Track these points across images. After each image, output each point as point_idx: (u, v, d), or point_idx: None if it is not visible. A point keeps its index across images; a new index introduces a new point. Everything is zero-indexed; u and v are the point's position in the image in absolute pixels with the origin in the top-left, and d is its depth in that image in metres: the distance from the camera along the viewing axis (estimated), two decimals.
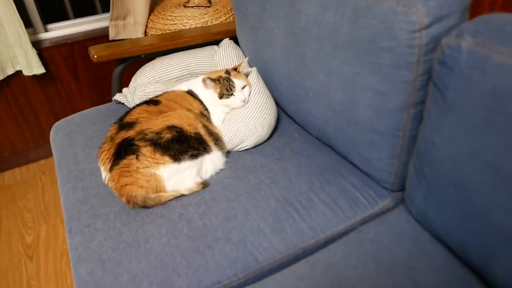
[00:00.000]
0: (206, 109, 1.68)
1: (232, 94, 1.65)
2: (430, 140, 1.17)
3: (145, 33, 2.56)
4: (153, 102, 1.60)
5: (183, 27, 2.34)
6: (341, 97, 1.48)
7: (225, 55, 1.96)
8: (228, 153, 1.67)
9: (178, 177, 1.42)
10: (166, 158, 1.38)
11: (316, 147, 1.71)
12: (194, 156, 1.44)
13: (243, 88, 1.68)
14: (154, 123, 1.45)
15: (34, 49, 2.33)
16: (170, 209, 1.40)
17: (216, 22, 2.33)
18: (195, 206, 1.41)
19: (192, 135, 1.46)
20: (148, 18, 2.53)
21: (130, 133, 1.42)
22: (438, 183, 1.16)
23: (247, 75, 1.78)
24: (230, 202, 1.43)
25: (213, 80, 1.64)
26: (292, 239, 1.31)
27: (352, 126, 1.48)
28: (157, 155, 1.37)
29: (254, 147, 1.71)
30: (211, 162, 1.53)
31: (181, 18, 2.33)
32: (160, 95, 1.69)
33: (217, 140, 1.59)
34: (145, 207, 1.38)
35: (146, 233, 1.30)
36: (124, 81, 2.13)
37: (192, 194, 1.46)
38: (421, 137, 1.24)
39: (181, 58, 2.06)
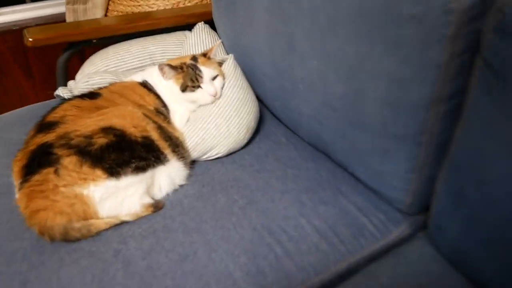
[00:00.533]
0: (165, 106, 1.29)
1: (198, 86, 1.26)
2: (478, 148, 0.79)
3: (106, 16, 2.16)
4: (90, 95, 1.20)
5: (149, 9, 1.94)
6: (342, 90, 1.10)
7: (198, 41, 1.60)
8: (192, 164, 1.27)
9: (117, 198, 1.03)
10: (98, 172, 0.98)
11: (308, 156, 1.32)
12: (141, 169, 1.05)
13: (213, 78, 1.29)
14: (85, 124, 1.05)
15: None
16: (103, 243, 1.00)
17: (189, 4, 1.94)
18: (139, 239, 1.01)
19: (139, 140, 1.06)
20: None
21: (49, 137, 1.02)
22: (491, 213, 0.78)
23: (221, 63, 1.39)
24: (189, 233, 1.04)
25: (173, 68, 1.25)
26: (273, 287, 0.92)
27: (356, 128, 1.10)
28: (85, 168, 0.97)
29: (228, 155, 1.32)
30: (166, 176, 1.14)
31: None
32: (105, 87, 1.29)
33: (177, 146, 1.19)
34: (67, 240, 0.98)
35: (61, 282, 0.90)
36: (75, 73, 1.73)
37: (138, 220, 1.06)
38: (459, 143, 0.86)
39: (142, 44, 1.67)
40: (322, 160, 1.30)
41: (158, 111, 1.25)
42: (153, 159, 1.09)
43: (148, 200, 1.10)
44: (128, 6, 1.99)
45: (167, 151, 1.15)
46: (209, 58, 1.33)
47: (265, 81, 1.46)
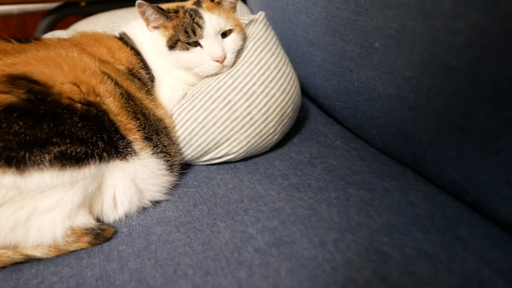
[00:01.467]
0: (147, 70, 0.79)
1: (196, 43, 0.77)
2: None
3: None
4: (23, 39, 0.71)
5: None
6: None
7: None
8: (182, 168, 0.75)
9: (18, 211, 0.51)
10: None
11: (384, 170, 0.76)
12: (73, 160, 0.54)
13: (223, 35, 0.79)
14: None
15: None
16: None
17: None
18: None
19: (76, 107, 0.57)
20: None
21: None
22: None
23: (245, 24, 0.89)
24: None
25: (160, 11, 0.76)
26: None
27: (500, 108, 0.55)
28: None
29: (246, 159, 0.79)
30: (129, 182, 0.63)
31: None
32: (59, 38, 0.81)
33: (157, 132, 0.68)
34: None
35: None
36: None
37: (60, 257, 0.53)
38: None
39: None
40: (409, 178, 0.74)
41: (132, 74, 0.75)
42: (101, 145, 0.58)
43: (84, 222, 0.58)
44: None
45: (135, 136, 0.64)
46: (219, 3, 0.83)
47: (312, 54, 0.94)
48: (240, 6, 1.24)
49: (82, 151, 0.56)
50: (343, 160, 0.78)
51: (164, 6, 0.82)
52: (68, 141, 0.55)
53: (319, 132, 0.92)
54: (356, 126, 0.89)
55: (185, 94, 0.82)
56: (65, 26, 1.46)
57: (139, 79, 0.75)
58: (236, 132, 0.76)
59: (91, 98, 0.60)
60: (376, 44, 0.72)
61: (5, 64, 0.58)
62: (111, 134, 0.60)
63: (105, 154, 0.59)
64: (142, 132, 0.66)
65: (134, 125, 0.65)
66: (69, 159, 0.55)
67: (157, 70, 0.81)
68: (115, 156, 0.61)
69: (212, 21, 0.78)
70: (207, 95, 0.77)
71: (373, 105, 0.78)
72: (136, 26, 0.85)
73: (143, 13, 0.77)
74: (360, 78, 0.80)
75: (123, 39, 0.81)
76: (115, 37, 0.81)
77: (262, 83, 0.79)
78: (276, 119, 0.79)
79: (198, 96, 0.78)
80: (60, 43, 0.71)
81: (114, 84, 0.66)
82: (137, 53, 0.80)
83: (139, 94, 0.72)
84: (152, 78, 0.79)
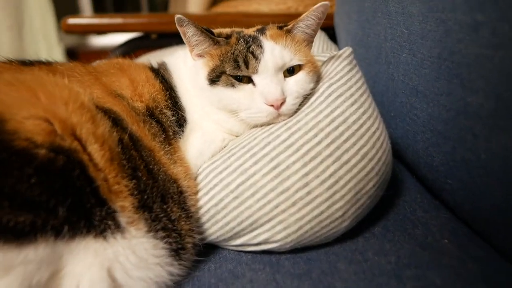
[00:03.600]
0: (175, 112, 0.59)
1: (247, 78, 0.56)
2: None
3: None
4: (29, 62, 0.58)
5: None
6: None
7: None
8: (203, 251, 0.52)
9: None
10: None
11: None
12: (12, 234, 0.37)
13: (289, 71, 0.57)
14: None
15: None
16: None
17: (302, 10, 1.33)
18: None
19: (38, 153, 0.39)
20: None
21: None
22: None
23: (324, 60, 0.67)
24: None
25: (206, 32, 0.57)
26: None
27: None
28: None
29: (294, 251, 0.52)
30: (101, 272, 0.42)
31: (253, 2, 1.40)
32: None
33: (164, 201, 0.47)
34: None
35: None
36: None
37: None
38: None
39: None
40: None
41: (151, 115, 0.56)
42: (61, 213, 0.39)
43: None
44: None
45: (124, 203, 0.44)
46: (289, 31, 0.62)
47: (415, 107, 0.66)
48: (326, 44, 1.02)
49: (28, 221, 0.37)
50: (453, 278, 0.47)
51: (217, 30, 0.63)
52: (6, 204, 0.36)
53: (416, 221, 0.61)
54: (479, 220, 0.57)
55: (224, 147, 0.60)
56: None
57: (158, 122, 0.56)
58: (284, 211, 0.51)
59: (65, 142, 0.41)
60: None
61: None
62: (84, 197, 0.41)
63: (66, 227, 0.39)
64: (137, 198, 0.45)
65: (126, 186, 0.45)
66: (3, 232, 0.36)
67: (193, 110, 0.61)
68: (84, 231, 0.41)
69: (274, 53, 0.57)
70: (249, 151, 0.54)
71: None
72: (181, 55, 0.67)
73: (184, 34, 0.59)
74: (492, 148, 0.50)
75: (157, 71, 0.63)
76: (149, 67, 0.65)
77: (332, 142, 0.54)
78: (347, 197, 0.53)
79: (237, 152, 0.55)
80: (72, 69, 0.56)
81: (116, 125, 0.48)
82: (168, 88, 0.61)
83: (152, 143, 0.52)
84: (180, 121, 0.59)
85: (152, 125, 0.54)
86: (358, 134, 0.56)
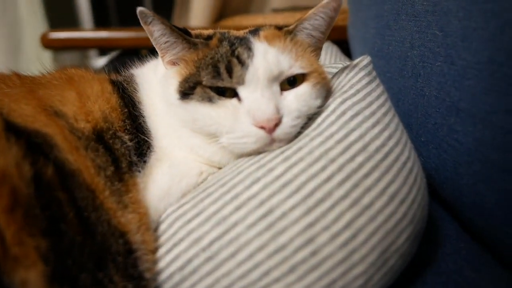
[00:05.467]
0: (135, 136, 0.44)
1: (230, 91, 0.43)
2: None
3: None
4: None
5: None
6: None
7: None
8: None
9: None
10: None
11: None
12: None
13: (289, 82, 0.44)
14: None
15: None
16: None
17: None
18: None
19: None
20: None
21: None
22: None
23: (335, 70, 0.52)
24: None
25: (177, 31, 0.43)
26: None
27: None
28: None
29: None
30: None
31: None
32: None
33: (99, 266, 0.31)
34: None
35: None
36: None
37: None
38: None
39: None
40: None
41: (100, 139, 0.41)
42: None
43: None
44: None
45: (28, 273, 0.28)
46: (289, 32, 0.48)
47: (457, 130, 0.50)
48: (339, 58, 0.88)
49: None
50: None
51: (197, 31, 0.49)
52: None
53: (465, 284, 0.44)
54: None
55: (202, 182, 0.45)
56: None
57: (108, 149, 0.41)
58: (278, 280, 0.35)
59: None
60: None
61: None
62: None
63: None
64: (51, 265, 0.30)
65: (36, 247, 0.30)
66: None
67: (162, 134, 0.47)
68: None
69: (267, 57, 0.43)
70: (230, 192, 0.39)
71: None
72: (152, 64, 0.54)
73: (151, 34, 0.45)
74: None
75: (118, 83, 0.49)
76: (109, 79, 0.50)
77: (347, 178, 0.38)
78: (371, 258, 0.37)
79: (214, 192, 0.40)
80: (2, 80, 0.42)
81: (36, 154, 0.33)
82: (129, 104, 0.46)
83: (95, 179, 0.37)
84: (142, 148, 0.44)
85: (99, 153, 0.40)
86: (384, 166, 0.41)
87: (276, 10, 1.51)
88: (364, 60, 0.54)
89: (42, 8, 1.80)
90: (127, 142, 0.42)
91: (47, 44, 0.92)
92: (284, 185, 0.38)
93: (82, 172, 0.36)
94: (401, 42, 0.65)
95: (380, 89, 0.52)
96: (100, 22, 2.00)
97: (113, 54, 1.79)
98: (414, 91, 0.63)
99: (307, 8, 1.18)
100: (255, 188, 0.38)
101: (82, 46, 1.03)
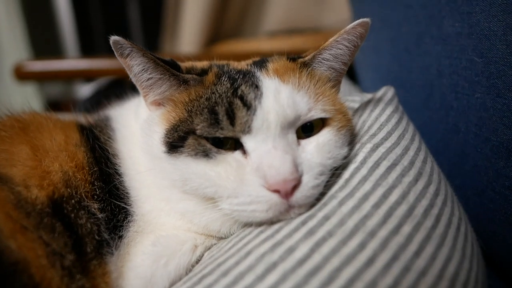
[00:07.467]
0: (106, 204, 0.34)
1: (232, 142, 0.34)
2: None
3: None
4: None
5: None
6: None
7: None
8: None
9: None
10: None
11: None
12: None
13: (305, 129, 0.34)
14: None
15: None
16: None
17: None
18: None
19: None
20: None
21: None
22: None
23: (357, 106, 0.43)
24: None
25: (163, 64, 0.34)
26: None
27: None
28: None
29: None
30: None
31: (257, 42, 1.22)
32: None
33: None
34: None
35: None
36: None
37: None
38: None
39: None
40: None
41: (57, 213, 0.31)
42: None
43: None
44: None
45: None
46: (305, 64, 0.39)
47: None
48: (347, 86, 0.79)
49: None
50: None
51: (188, 63, 0.40)
52: None
53: None
54: None
55: (196, 260, 0.35)
56: None
57: (69, 226, 0.30)
58: None
59: None
60: None
61: None
62: None
63: None
64: None
65: None
66: None
67: (144, 194, 0.37)
68: None
69: (280, 97, 0.34)
70: (237, 284, 0.29)
71: None
72: (133, 104, 0.44)
73: (129, 69, 0.36)
74: None
75: (89, 131, 0.39)
76: (76, 125, 0.40)
77: (392, 262, 0.28)
78: None
79: (214, 284, 0.30)
80: None
81: None
82: (102, 159, 0.36)
83: (47, 273, 0.27)
84: (118, 219, 0.34)
85: (55, 233, 0.29)
86: (437, 236, 0.31)
87: (271, 33, 1.43)
88: (388, 93, 0.46)
89: (25, 35, 1.71)
90: (96, 214, 0.32)
91: (22, 76, 0.82)
92: (312, 274, 0.28)
93: (29, 265, 0.26)
94: (425, 69, 0.56)
95: (412, 128, 0.43)
96: (86, 48, 1.92)
97: (100, 81, 1.69)
98: (444, 125, 0.54)
99: (303, 31, 1.09)
100: (271, 279, 0.28)
101: (62, 77, 0.93)
